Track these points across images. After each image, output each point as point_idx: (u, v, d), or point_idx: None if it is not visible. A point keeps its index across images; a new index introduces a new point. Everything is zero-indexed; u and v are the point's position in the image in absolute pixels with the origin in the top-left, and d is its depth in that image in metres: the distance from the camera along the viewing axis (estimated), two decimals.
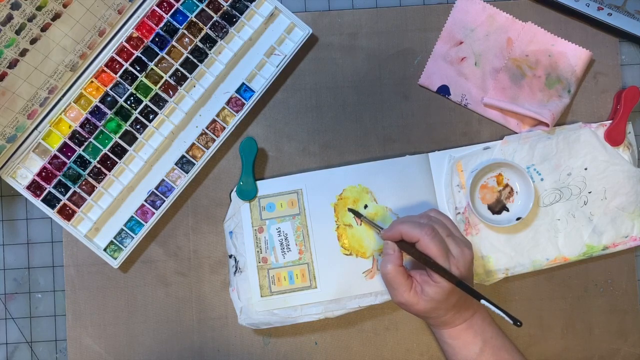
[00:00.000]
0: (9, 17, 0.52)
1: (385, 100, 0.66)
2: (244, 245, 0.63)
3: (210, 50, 0.63)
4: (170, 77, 0.62)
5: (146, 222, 0.63)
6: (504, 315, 0.52)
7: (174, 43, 0.62)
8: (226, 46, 0.63)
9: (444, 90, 0.65)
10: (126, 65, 0.62)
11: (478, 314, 0.56)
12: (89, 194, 0.62)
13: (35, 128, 0.62)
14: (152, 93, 0.62)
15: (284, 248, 0.63)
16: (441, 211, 0.61)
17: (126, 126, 0.62)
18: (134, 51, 0.62)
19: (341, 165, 0.64)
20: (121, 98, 0.62)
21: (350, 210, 0.62)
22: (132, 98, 0.62)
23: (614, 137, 0.64)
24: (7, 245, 0.65)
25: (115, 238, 0.63)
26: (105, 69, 0.62)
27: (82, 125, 0.62)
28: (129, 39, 0.62)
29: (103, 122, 0.62)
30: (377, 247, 0.63)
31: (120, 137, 0.62)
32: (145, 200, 0.63)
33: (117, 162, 0.62)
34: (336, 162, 0.65)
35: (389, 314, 0.65)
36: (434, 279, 0.52)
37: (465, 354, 0.55)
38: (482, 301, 0.52)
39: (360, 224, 0.63)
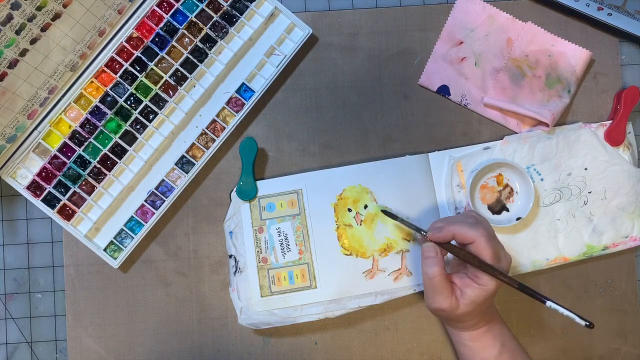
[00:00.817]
0: (9, 17, 0.52)
1: (385, 100, 0.66)
2: (244, 245, 0.63)
3: (210, 50, 0.63)
4: (170, 77, 0.62)
5: (146, 222, 0.63)
6: (574, 317, 0.48)
7: (174, 43, 0.62)
8: (226, 46, 0.63)
9: (444, 90, 0.65)
10: (126, 65, 0.62)
11: (496, 318, 0.56)
12: (89, 194, 0.62)
13: (35, 128, 0.62)
14: (152, 93, 0.62)
15: (284, 248, 0.63)
16: (478, 213, 0.58)
17: (126, 126, 0.62)
18: (134, 51, 0.62)
19: (341, 165, 0.64)
20: (121, 98, 0.62)
21: (384, 212, 0.61)
22: (132, 98, 0.62)
23: (614, 137, 0.64)
24: (7, 245, 0.65)
25: (115, 238, 0.63)
26: (105, 69, 0.62)
27: (82, 125, 0.62)
28: (129, 39, 0.62)
29: (103, 122, 0.62)
30: (377, 247, 0.63)
31: (120, 137, 0.62)
32: (145, 200, 0.63)
33: (117, 162, 0.62)
34: (336, 162, 0.65)
35: (389, 314, 0.65)
36: (480, 282, 0.51)
37: (484, 356, 0.55)
38: (549, 304, 0.49)
39: (361, 224, 0.63)
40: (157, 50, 0.62)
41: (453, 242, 0.54)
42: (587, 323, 0.47)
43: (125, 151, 0.62)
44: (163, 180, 0.63)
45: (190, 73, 0.62)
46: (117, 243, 0.63)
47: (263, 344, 0.65)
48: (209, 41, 0.63)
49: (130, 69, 0.62)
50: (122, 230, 0.63)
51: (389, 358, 0.65)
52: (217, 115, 0.63)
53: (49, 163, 0.61)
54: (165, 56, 0.62)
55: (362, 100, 0.66)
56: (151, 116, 0.62)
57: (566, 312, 0.48)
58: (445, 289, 0.51)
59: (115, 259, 0.62)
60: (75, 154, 0.62)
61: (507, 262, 0.53)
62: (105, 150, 0.62)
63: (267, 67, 0.64)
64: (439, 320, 0.64)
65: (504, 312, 0.65)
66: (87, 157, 0.62)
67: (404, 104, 0.66)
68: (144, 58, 0.62)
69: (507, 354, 0.54)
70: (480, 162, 0.64)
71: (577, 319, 0.48)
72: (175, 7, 0.62)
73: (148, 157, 0.62)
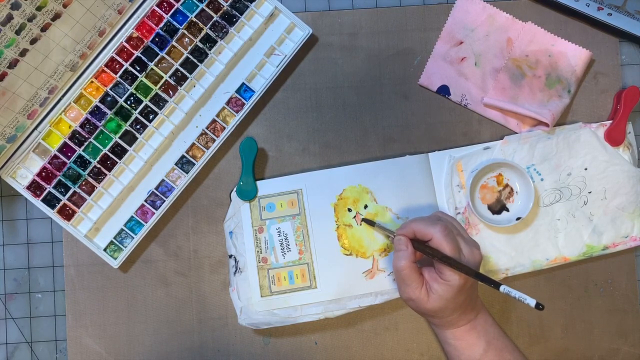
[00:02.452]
0: (9, 17, 0.52)
1: (385, 100, 0.66)
2: (244, 245, 0.63)
3: (210, 50, 0.63)
4: (170, 77, 0.62)
5: (146, 222, 0.63)
6: (525, 298, 0.49)
7: (174, 43, 0.62)
8: (226, 46, 0.63)
9: (444, 90, 0.65)
10: (126, 65, 0.62)
11: (481, 315, 0.56)
12: (89, 194, 0.62)
13: (35, 128, 0.62)
14: (152, 93, 0.62)
15: (284, 248, 0.63)
16: (447, 213, 0.61)
17: (126, 126, 0.62)
18: (134, 51, 0.62)
19: (341, 165, 0.64)
20: (121, 98, 0.62)
21: (364, 220, 0.62)
22: (132, 98, 0.62)
23: (614, 137, 0.64)
24: (7, 245, 0.65)
25: (115, 238, 0.63)
26: (105, 69, 0.62)
27: (82, 125, 0.62)
28: (129, 39, 0.62)
29: (103, 122, 0.62)
30: (377, 247, 0.63)
31: (120, 137, 0.62)
32: (145, 200, 0.63)
33: (117, 162, 0.62)
34: (336, 162, 0.65)
35: (389, 314, 0.65)
36: (444, 277, 0.53)
37: (469, 355, 0.55)
38: (502, 288, 0.51)
39: (361, 224, 0.63)
40: (157, 50, 0.62)
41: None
42: (538, 304, 0.49)
43: (125, 151, 0.62)
44: (163, 180, 0.63)
45: (190, 73, 0.62)
46: (117, 243, 0.63)
47: (263, 344, 0.65)
48: (209, 41, 0.63)
49: (130, 69, 0.62)
50: (122, 230, 0.63)
51: (389, 358, 0.65)
52: (217, 115, 0.63)
53: (49, 163, 0.61)
54: (165, 56, 0.62)
55: (362, 100, 0.66)
56: (151, 116, 0.62)
57: (518, 295, 0.50)
58: (414, 281, 0.54)
59: (115, 259, 0.62)
60: (75, 154, 0.62)
61: (473, 258, 0.54)
62: (105, 150, 0.62)
63: (267, 67, 0.64)
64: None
65: (503, 312, 0.65)
66: (87, 157, 0.62)
67: (404, 104, 0.66)
68: (144, 58, 0.62)
69: (493, 352, 0.54)
70: (480, 162, 0.64)
71: (528, 300, 0.49)
72: (175, 7, 0.62)
73: (148, 157, 0.62)
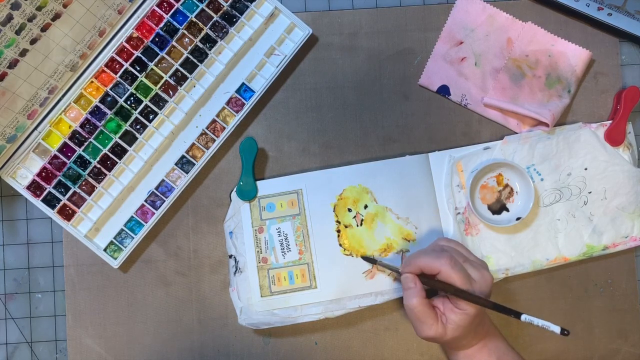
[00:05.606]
0: (9, 17, 0.52)
1: (385, 100, 0.66)
2: (244, 245, 0.63)
3: (210, 50, 0.63)
4: (170, 77, 0.62)
5: (146, 222, 0.63)
6: (549, 326, 0.48)
7: (174, 43, 0.62)
8: (226, 46, 0.63)
9: (444, 90, 0.65)
10: (126, 65, 0.62)
11: (491, 332, 0.56)
12: (89, 194, 0.62)
13: (35, 128, 0.62)
14: (152, 93, 0.62)
15: (284, 248, 0.63)
16: (450, 238, 0.60)
17: (126, 126, 0.62)
18: (134, 51, 0.62)
19: (341, 165, 0.64)
20: (121, 98, 0.62)
21: (364, 258, 0.62)
22: (132, 98, 0.62)
23: (614, 137, 0.64)
24: (7, 245, 0.65)
25: (115, 238, 0.63)
26: (105, 69, 0.62)
27: (82, 125, 0.62)
28: (129, 39, 0.62)
29: (103, 122, 0.62)
30: (377, 247, 0.63)
31: (120, 137, 0.62)
32: (145, 200, 0.63)
33: (117, 162, 0.62)
34: (336, 162, 0.65)
35: (389, 314, 0.65)
36: (459, 307, 0.52)
37: None
38: (523, 317, 0.49)
39: (361, 224, 0.63)
40: (157, 50, 0.62)
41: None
42: (563, 330, 0.47)
43: (125, 151, 0.62)
44: (163, 180, 0.63)
45: (190, 73, 0.62)
46: (117, 243, 0.63)
47: (263, 344, 0.65)
48: (209, 41, 0.63)
49: (130, 69, 0.62)
50: (122, 230, 0.63)
51: (389, 358, 0.65)
52: (217, 115, 0.63)
53: (49, 163, 0.61)
54: (165, 56, 0.62)
55: (362, 100, 0.66)
56: (151, 116, 0.62)
57: (541, 323, 0.49)
58: (429, 317, 0.52)
59: (115, 259, 0.62)
60: (75, 154, 0.62)
61: (484, 282, 0.53)
62: (105, 150, 0.62)
63: (267, 67, 0.64)
64: None
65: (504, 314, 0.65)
66: (87, 157, 0.62)
67: (404, 104, 0.66)
68: (144, 58, 0.62)
69: None
70: (480, 162, 0.64)
71: (553, 327, 0.48)
72: (175, 7, 0.62)
73: (148, 157, 0.62)
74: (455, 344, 0.55)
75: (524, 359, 0.56)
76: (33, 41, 0.56)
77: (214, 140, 0.63)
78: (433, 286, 0.53)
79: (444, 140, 0.65)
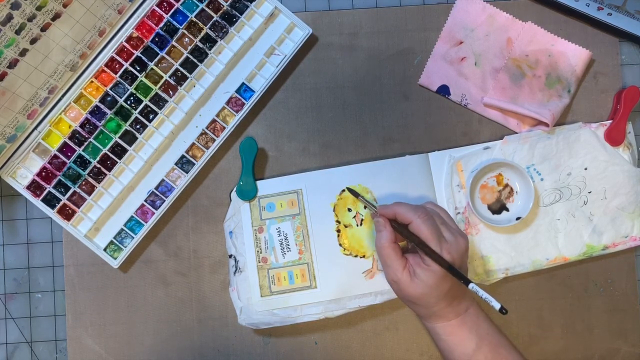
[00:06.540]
0: (9, 17, 0.52)
1: (385, 100, 0.66)
2: (244, 245, 0.63)
3: (210, 50, 0.63)
4: (170, 77, 0.62)
5: (146, 222, 0.63)
6: (490, 300, 0.52)
7: (174, 43, 0.62)
8: (226, 46, 0.63)
9: (444, 90, 0.65)
10: (126, 65, 0.62)
11: (471, 310, 0.55)
12: (89, 194, 0.62)
13: (35, 128, 0.62)
14: (152, 93, 0.62)
15: (284, 248, 0.63)
16: (438, 205, 0.61)
17: (126, 126, 0.62)
18: (134, 51, 0.62)
19: (341, 165, 0.64)
20: (121, 98, 0.62)
21: (349, 189, 0.62)
22: (132, 98, 0.62)
23: (614, 137, 0.64)
24: (7, 245, 0.65)
25: (115, 238, 0.63)
26: (105, 68, 0.62)
27: (82, 125, 0.62)
28: (129, 39, 0.62)
29: (103, 122, 0.62)
30: None
31: (120, 137, 0.62)
32: (145, 200, 0.63)
33: (117, 162, 0.62)
34: (336, 162, 0.65)
35: (389, 314, 0.65)
36: (426, 262, 0.53)
37: (462, 351, 0.54)
38: (471, 286, 0.52)
39: (361, 224, 0.63)
40: (157, 50, 0.62)
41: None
42: (502, 309, 0.51)
43: (125, 151, 0.62)
44: (163, 180, 0.63)
45: (190, 73, 0.62)
46: (117, 243, 0.63)
47: (263, 344, 0.65)
48: (209, 41, 0.63)
49: (130, 68, 0.62)
50: (122, 230, 0.63)
51: (389, 358, 0.65)
52: (217, 115, 0.63)
53: (49, 163, 0.61)
54: (165, 56, 0.62)
55: (362, 100, 0.66)
56: (151, 116, 0.62)
57: (485, 296, 0.52)
58: (395, 262, 0.54)
59: (115, 259, 0.62)
60: (75, 153, 0.62)
61: (456, 246, 0.54)
62: (105, 150, 0.62)
63: (267, 67, 0.64)
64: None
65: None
66: (87, 157, 0.62)
67: (404, 104, 0.66)
68: (144, 58, 0.62)
69: (487, 348, 0.54)
70: (480, 162, 0.64)
71: (494, 303, 0.52)
72: (175, 7, 0.62)
73: (148, 157, 0.62)
74: (426, 309, 0.54)
75: (514, 344, 0.55)
76: (33, 41, 0.56)
77: (214, 140, 0.63)
78: (400, 233, 0.55)
79: (444, 140, 0.65)
